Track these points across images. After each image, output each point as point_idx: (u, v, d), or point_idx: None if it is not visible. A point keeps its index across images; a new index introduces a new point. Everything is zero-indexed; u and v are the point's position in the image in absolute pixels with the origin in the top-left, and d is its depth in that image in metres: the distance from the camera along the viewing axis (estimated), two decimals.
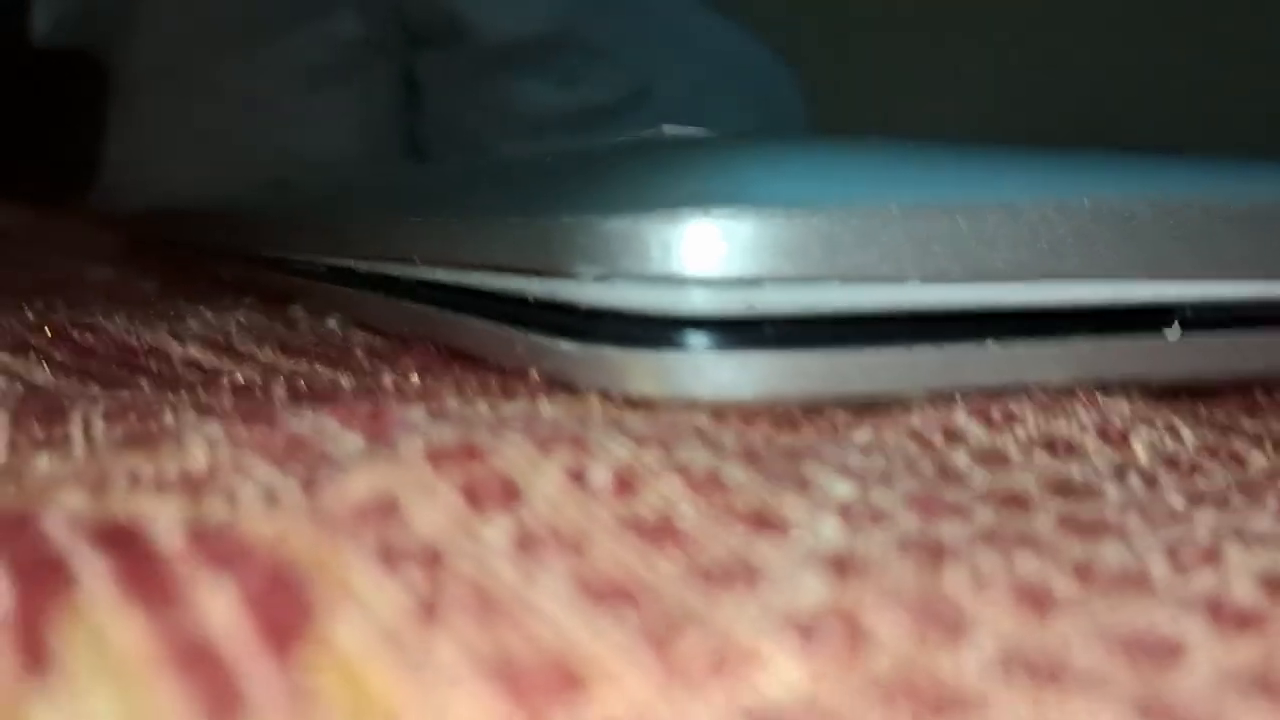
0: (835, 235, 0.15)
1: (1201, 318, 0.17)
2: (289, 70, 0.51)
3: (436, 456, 0.11)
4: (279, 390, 0.16)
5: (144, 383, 0.18)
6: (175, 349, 0.19)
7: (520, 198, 0.18)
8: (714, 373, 0.15)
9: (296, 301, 0.27)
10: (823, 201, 0.15)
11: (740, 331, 0.16)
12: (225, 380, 0.17)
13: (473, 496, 0.11)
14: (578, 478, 0.11)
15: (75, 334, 0.20)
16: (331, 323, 0.24)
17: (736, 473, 0.12)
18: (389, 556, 0.09)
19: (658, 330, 0.16)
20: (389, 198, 0.23)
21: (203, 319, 0.23)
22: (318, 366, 0.19)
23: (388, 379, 0.17)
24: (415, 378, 0.17)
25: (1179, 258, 0.17)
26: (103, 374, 0.18)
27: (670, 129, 0.21)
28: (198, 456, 0.12)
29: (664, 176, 0.16)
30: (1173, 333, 0.17)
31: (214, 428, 0.13)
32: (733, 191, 0.15)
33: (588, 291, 0.16)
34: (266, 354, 0.20)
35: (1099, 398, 0.16)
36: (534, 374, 0.17)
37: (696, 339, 0.16)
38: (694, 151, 0.17)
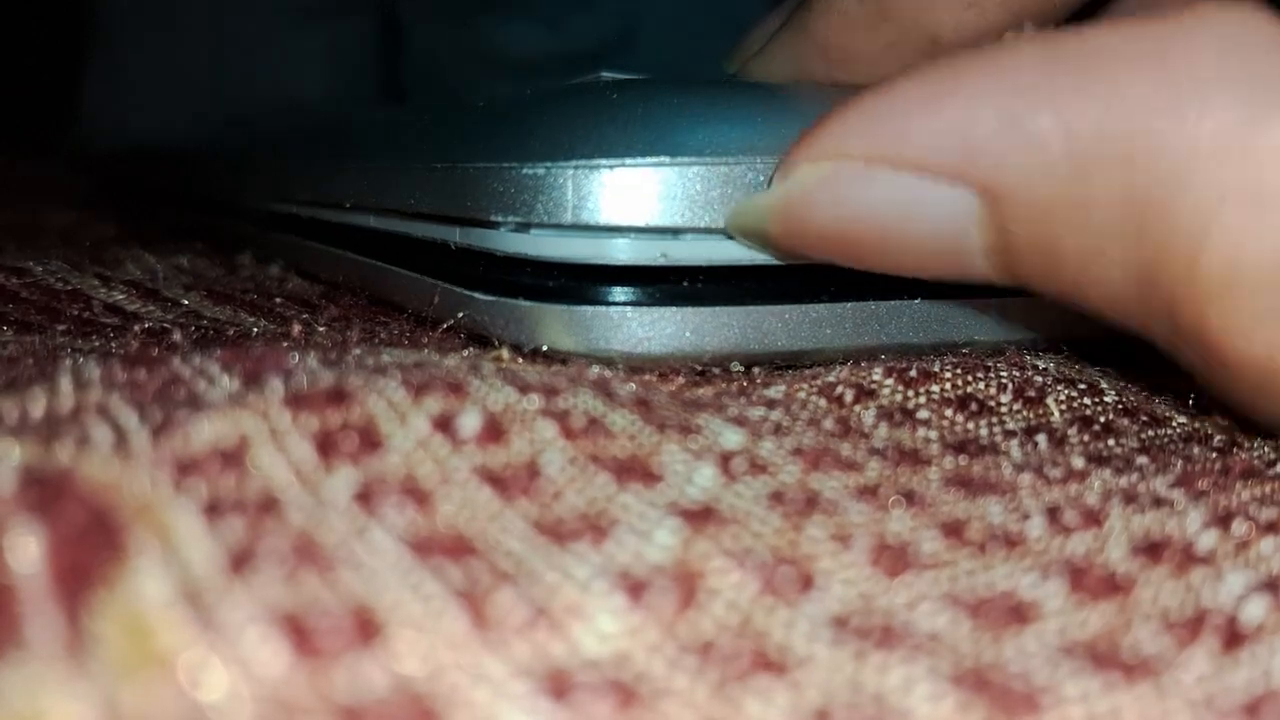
0: (757, 187, 0.15)
1: None
2: (270, 10, 0.50)
3: (297, 401, 0.11)
4: (185, 335, 0.16)
5: (60, 328, 0.18)
6: (100, 294, 0.19)
7: (445, 144, 0.18)
8: (629, 327, 0.15)
9: (247, 247, 0.26)
10: (744, 151, 0.15)
11: (657, 285, 0.15)
12: (138, 326, 0.17)
13: (326, 444, 0.10)
14: (444, 425, 0.11)
15: (1, 278, 0.20)
16: (273, 269, 0.24)
17: (621, 420, 0.12)
18: (217, 505, 0.09)
19: (573, 283, 0.15)
20: (326, 143, 0.22)
21: (143, 263, 0.23)
22: (240, 313, 0.19)
23: (297, 327, 0.16)
24: (323, 326, 0.17)
25: None
26: (20, 319, 0.18)
27: (609, 76, 0.20)
28: (65, 398, 0.12)
29: (581, 124, 0.15)
30: None
31: (92, 370, 0.13)
32: (650, 141, 0.15)
33: (504, 240, 0.16)
34: (191, 300, 0.19)
35: (1026, 356, 0.16)
36: (448, 325, 0.16)
37: (611, 292, 0.15)
38: (613, 99, 0.16)
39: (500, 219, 0.15)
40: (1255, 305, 0.10)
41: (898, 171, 0.12)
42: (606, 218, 0.15)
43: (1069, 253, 0.12)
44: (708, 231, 0.15)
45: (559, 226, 0.15)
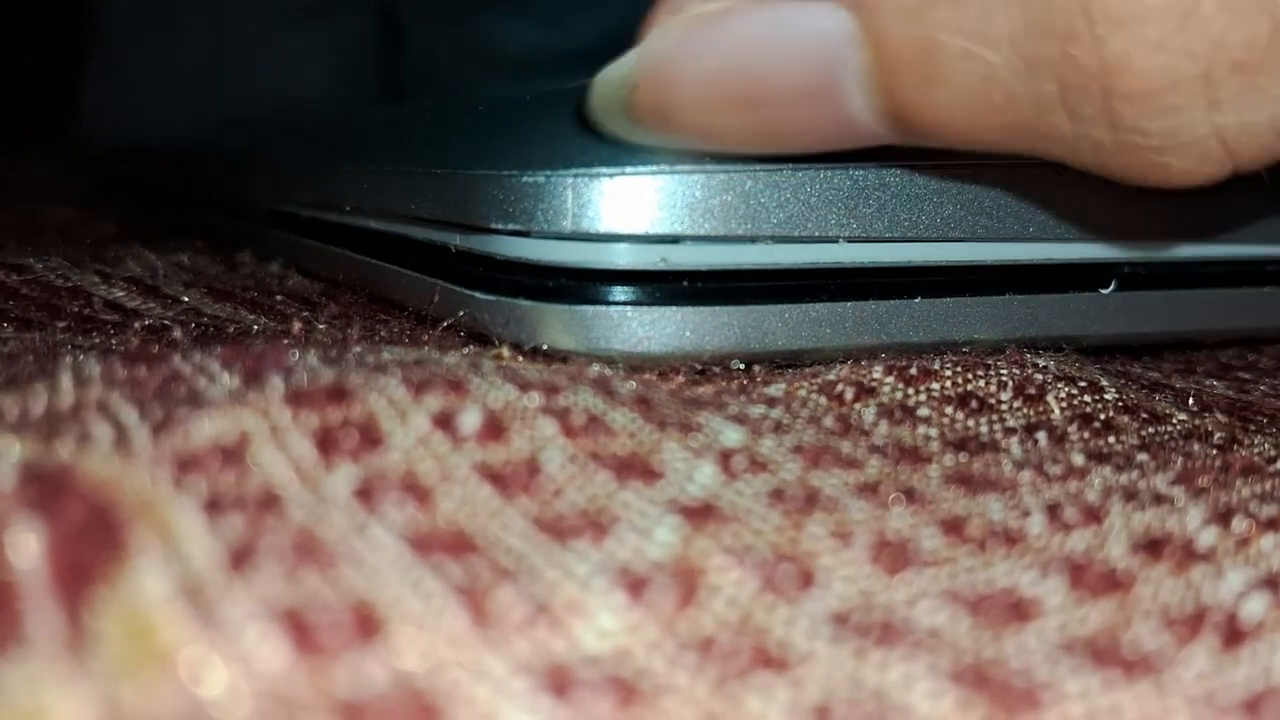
0: (756, 194, 0.15)
1: (1137, 277, 0.17)
2: (270, 9, 0.50)
3: (298, 399, 0.11)
4: (185, 333, 0.16)
5: (60, 324, 0.18)
6: (100, 291, 0.19)
7: (445, 150, 0.18)
8: (629, 326, 0.15)
9: (247, 245, 0.26)
10: (745, 160, 0.15)
11: (657, 286, 0.15)
12: (138, 323, 0.17)
13: (326, 441, 0.10)
14: (445, 423, 0.11)
15: (1, 275, 0.20)
16: (273, 267, 0.24)
17: (621, 418, 0.12)
18: (218, 502, 0.09)
19: (573, 283, 0.15)
20: (326, 145, 0.22)
21: (143, 261, 0.23)
22: (240, 311, 0.19)
23: (297, 325, 0.16)
24: (324, 324, 0.17)
25: (1113, 219, 0.16)
26: (20, 316, 0.18)
27: None
28: (66, 395, 0.12)
29: (581, 132, 0.15)
30: (1108, 291, 0.17)
31: (92, 367, 0.13)
32: (649, 148, 0.15)
33: (504, 245, 0.16)
34: (192, 297, 0.19)
35: (1026, 355, 0.16)
36: (449, 323, 0.16)
37: (611, 292, 0.15)
38: None
39: (500, 226, 0.15)
40: (1150, 31, 0.10)
41: (762, 2, 0.12)
42: (606, 225, 0.15)
43: (950, 49, 0.11)
44: (707, 238, 0.15)
45: (559, 234, 0.15)
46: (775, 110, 0.12)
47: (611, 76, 0.13)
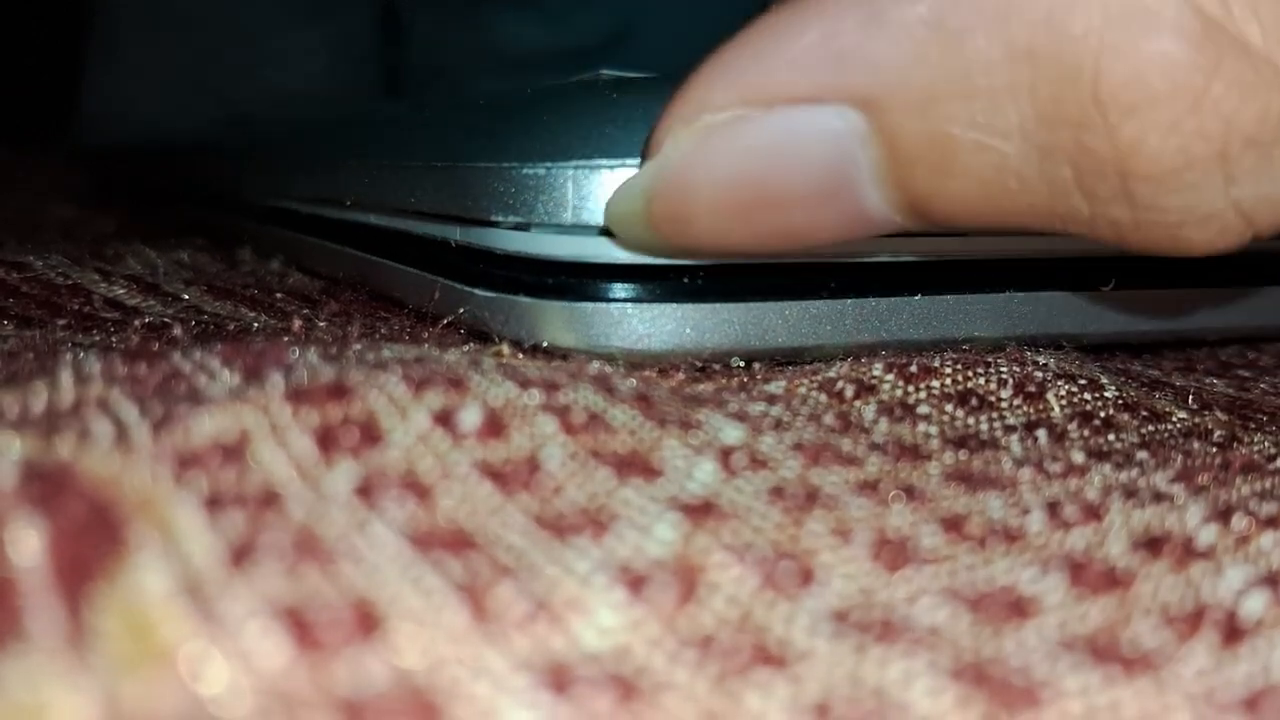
0: None
1: (1138, 274, 0.17)
2: (270, 5, 0.50)
3: (298, 396, 0.11)
4: (186, 330, 0.16)
5: (60, 322, 0.18)
6: (100, 289, 0.19)
7: (445, 143, 0.18)
8: (629, 323, 0.15)
9: (247, 242, 0.26)
10: None
11: (658, 282, 0.15)
12: (139, 321, 0.17)
13: (327, 439, 0.10)
14: (445, 420, 0.11)
15: (1, 273, 0.20)
16: (274, 265, 0.24)
17: (621, 415, 0.12)
18: (218, 499, 0.09)
19: (573, 280, 0.15)
20: (326, 140, 0.22)
21: (143, 258, 0.23)
22: (240, 308, 0.19)
23: (298, 322, 0.16)
24: (324, 321, 0.17)
25: None
26: (20, 314, 0.18)
27: (608, 74, 0.20)
28: (66, 393, 0.12)
29: (581, 124, 0.15)
30: (1109, 289, 0.17)
31: (93, 364, 0.13)
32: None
33: (505, 239, 0.16)
34: (192, 295, 0.19)
35: (1026, 352, 0.16)
36: (449, 321, 0.16)
37: (612, 289, 0.15)
38: (613, 98, 0.16)
39: (500, 218, 0.15)
40: (1162, 115, 0.10)
41: (772, 109, 0.12)
42: (604, 219, 0.15)
43: (963, 142, 0.11)
44: None
45: (560, 226, 0.15)
46: (792, 212, 0.12)
47: (628, 188, 0.13)
